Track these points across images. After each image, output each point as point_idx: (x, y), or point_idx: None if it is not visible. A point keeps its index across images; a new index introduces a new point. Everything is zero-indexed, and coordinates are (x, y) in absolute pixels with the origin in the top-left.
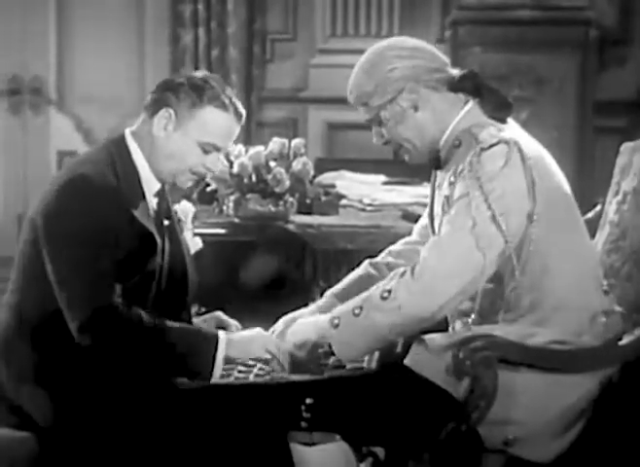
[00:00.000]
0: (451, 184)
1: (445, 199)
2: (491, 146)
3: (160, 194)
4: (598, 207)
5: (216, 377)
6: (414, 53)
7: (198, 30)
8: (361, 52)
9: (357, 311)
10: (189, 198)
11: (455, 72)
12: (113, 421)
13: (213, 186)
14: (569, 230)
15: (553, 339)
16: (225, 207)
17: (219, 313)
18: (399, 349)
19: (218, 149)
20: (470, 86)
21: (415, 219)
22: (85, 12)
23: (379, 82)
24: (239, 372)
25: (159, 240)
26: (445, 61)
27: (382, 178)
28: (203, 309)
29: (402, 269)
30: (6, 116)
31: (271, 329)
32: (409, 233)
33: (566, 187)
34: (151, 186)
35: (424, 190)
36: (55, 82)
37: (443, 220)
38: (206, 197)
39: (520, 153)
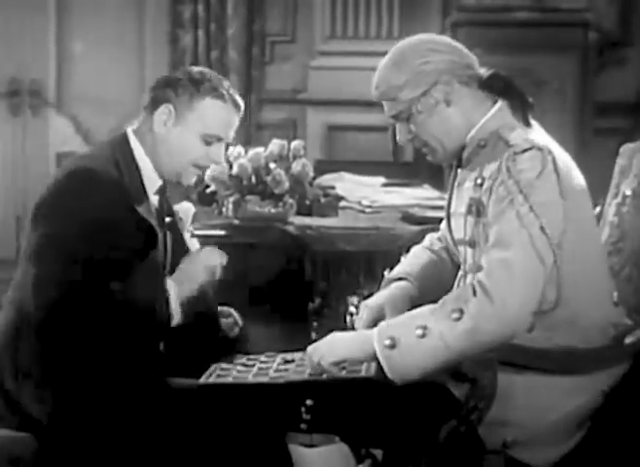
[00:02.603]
0: (478, 185)
1: (473, 202)
2: (524, 150)
3: (161, 191)
4: (598, 209)
5: (175, 321)
6: (447, 48)
7: (198, 32)
8: (360, 53)
9: (421, 332)
10: (188, 199)
11: (483, 71)
12: (113, 420)
13: (212, 187)
14: (589, 240)
15: (559, 344)
16: (224, 209)
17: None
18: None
19: (220, 139)
20: (499, 85)
21: (415, 221)
22: (84, 13)
23: (412, 74)
24: (238, 371)
25: (159, 234)
26: (475, 59)
27: (382, 180)
28: None
29: (470, 288)
30: (5, 118)
31: (359, 316)
32: (409, 235)
33: (587, 196)
34: (152, 183)
35: (424, 192)
36: (55, 84)
37: (490, 231)
38: (206, 199)
39: (554, 162)
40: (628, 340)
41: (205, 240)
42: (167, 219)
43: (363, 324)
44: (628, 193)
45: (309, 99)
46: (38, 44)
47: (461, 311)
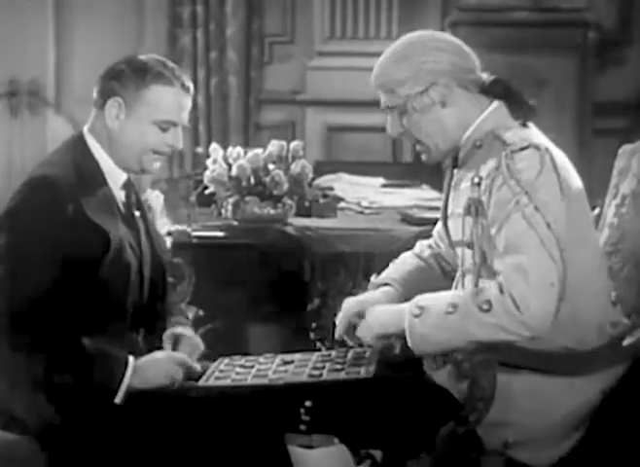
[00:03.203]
0: (476, 185)
1: (472, 202)
2: (522, 149)
3: (126, 186)
4: (597, 210)
5: (119, 401)
6: (453, 48)
7: (197, 32)
8: (359, 54)
9: (451, 309)
10: (187, 201)
11: (485, 76)
12: (107, 424)
13: (211, 188)
14: (587, 239)
15: (558, 343)
16: (223, 210)
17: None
18: (397, 350)
19: (174, 124)
20: (500, 91)
21: (414, 222)
22: (83, 14)
23: (414, 71)
24: (237, 373)
25: (117, 234)
26: (477, 63)
27: (381, 181)
28: (202, 313)
29: (497, 285)
30: (3, 118)
31: (339, 315)
32: (408, 236)
33: (584, 195)
34: (116, 179)
35: (423, 192)
36: (54, 84)
37: (498, 236)
38: (205, 200)
39: (552, 160)
40: (627, 340)
41: (204, 242)
42: (137, 213)
43: (339, 317)
44: (627, 193)
45: (308, 100)
46: (37, 44)
47: (490, 304)
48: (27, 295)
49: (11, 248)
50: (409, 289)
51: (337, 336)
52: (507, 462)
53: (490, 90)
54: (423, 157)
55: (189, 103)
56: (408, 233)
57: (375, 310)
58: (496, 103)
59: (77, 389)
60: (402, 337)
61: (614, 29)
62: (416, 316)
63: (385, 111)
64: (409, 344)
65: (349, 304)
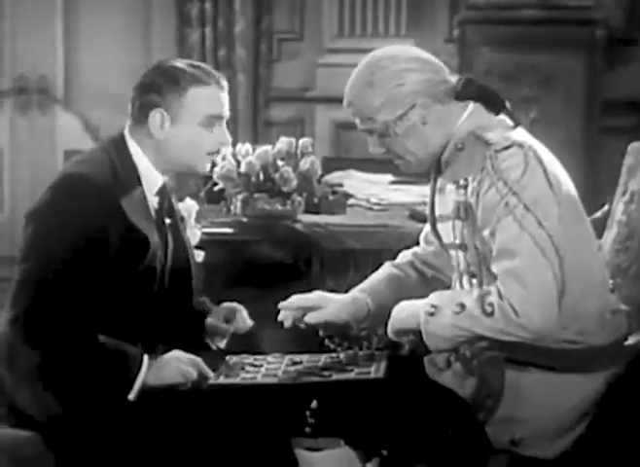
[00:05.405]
0: (462, 187)
1: (460, 205)
2: (505, 148)
3: (161, 192)
4: (606, 207)
5: (132, 397)
6: (421, 65)
7: (205, 29)
8: (368, 51)
9: (458, 309)
10: (196, 197)
11: (454, 80)
12: (116, 423)
13: (221, 185)
14: (580, 230)
15: (561, 338)
16: (232, 206)
17: (234, 305)
18: (406, 350)
19: (219, 117)
20: (474, 92)
21: (422, 218)
22: (91, 11)
23: (388, 97)
24: (246, 372)
25: (154, 239)
26: (446, 69)
27: (390, 177)
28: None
29: (496, 290)
30: (13, 115)
31: (307, 301)
32: (417, 233)
33: (573, 188)
34: (151, 185)
35: None
36: (63, 81)
37: (492, 240)
38: (214, 197)
39: (537, 156)
40: (631, 340)
41: (213, 238)
42: (167, 220)
43: (285, 303)
44: (636, 191)
45: (317, 97)
46: (46, 42)
47: (493, 308)
48: (50, 291)
49: (40, 243)
50: (379, 296)
51: (286, 325)
52: (513, 458)
53: (464, 95)
54: (403, 168)
55: (226, 97)
56: (416, 229)
57: (397, 308)
58: (473, 105)
59: (91, 385)
60: (419, 332)
61: (622, 27)
62: (430, 314)
63: (364, 132)
64: (425, 341)
65: (313, 296)
